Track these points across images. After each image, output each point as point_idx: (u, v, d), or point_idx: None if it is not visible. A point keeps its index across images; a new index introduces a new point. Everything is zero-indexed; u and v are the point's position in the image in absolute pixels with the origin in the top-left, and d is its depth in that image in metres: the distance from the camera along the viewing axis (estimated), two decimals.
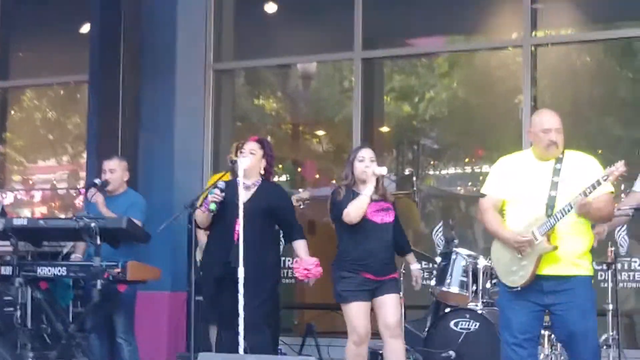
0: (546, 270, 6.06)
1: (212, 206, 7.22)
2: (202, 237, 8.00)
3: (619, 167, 5.89)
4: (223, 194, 7.23)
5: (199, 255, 8.44)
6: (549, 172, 6.15)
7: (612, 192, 6.13)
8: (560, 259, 6.06)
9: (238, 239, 6.93)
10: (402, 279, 7.65)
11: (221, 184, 7.30)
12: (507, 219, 6.28)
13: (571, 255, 6.09)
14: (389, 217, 7.15)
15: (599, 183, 5.90)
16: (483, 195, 6.39)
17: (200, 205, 7.28)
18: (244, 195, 7.09)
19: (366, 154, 7.21)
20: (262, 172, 7.40)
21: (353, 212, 7.04)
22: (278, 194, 7.49)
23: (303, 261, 7.24)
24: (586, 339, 6.11)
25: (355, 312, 7.00)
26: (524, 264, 6.07)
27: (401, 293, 7.62)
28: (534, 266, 6.04)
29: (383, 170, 7.15)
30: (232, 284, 6.90)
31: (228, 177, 7.65)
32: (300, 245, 7.35)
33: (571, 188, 6.04)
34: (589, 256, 6.22)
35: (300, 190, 7.76)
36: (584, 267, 6.15)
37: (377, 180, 7.11)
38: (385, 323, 7.04)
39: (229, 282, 7.03)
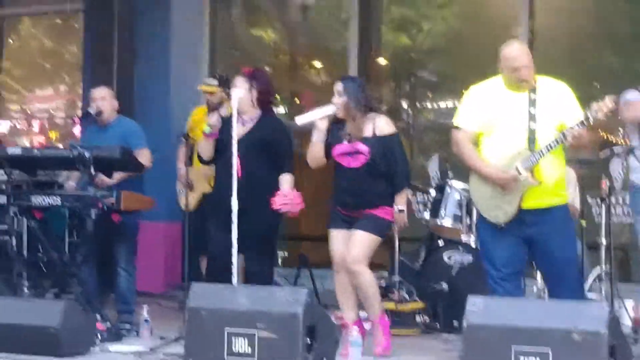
0: (528, 203, 6.06)
1: (207, 129, 7.22)
2: (182, 168, 8.15)
3: (608, 103, 5.83)
4: (220, 119, 7.23)
5: (179, 186, 8.56)
6: (524, 103, 6.08)
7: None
8: (542, 192, 6.06)
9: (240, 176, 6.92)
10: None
11: (224, 111, 7.30)
12: (484, 152, 6.21)
13: (551, 186, 6.09)
14: (355, 162, 6.78)
15: (587, 120, 5.85)
16: (457, 128, 6.27)
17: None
18: (240, 130, 7.06)
19: (334, 87, 6.89)
20: (253, 104, 7.30)
21: (307, 157, 6.95)
22: (274, 127, 7.40)
23: (282, 193, 7.14)
24: (568, 269, 6.14)
25: (331, 240, 6.88)
26: (508, 199, 6.05)
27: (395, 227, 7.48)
28: (519, 201, 6.03)
29: (318, 113, 6.81)
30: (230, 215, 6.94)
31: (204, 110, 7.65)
32: (285, 179, 7.21)
33: (550, 119, 6.01)
34: (564, 184, 6.28)
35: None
36: (562, 195, 6.18)
37: (352, 116, 6.77)
38: (345, 260, 6.77)
39: (228, 214, 7.05)
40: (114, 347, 6.92)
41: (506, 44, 6.20)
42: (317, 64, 11.63)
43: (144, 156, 7.80)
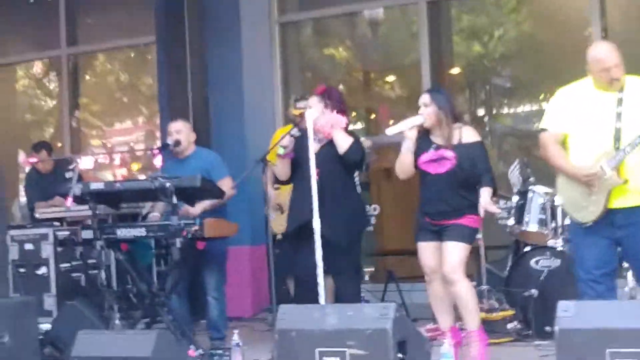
0: (616, 203, 5.99)
1: (281, 150, 7.26)
2: (271, 191, 8.15)
3: None
4: (292, 139, 7.27)
5: (269, 211, 8.57)
6: (612, 102, 6.03)
7: None
8: (630, 191, 5.98)
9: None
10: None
11: (294, 131, 7.33)
12: (571, 153, 6.17)
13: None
14: (442, 168, 6.90)
15: None
16: (544, 130, 6.26)
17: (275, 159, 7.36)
18: (315, 147, 7.11)
19: (420, 100, 7.05)
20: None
21: (396, 168, 7.07)
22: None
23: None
24: None
25: (420, 252, 7.03)
26: (594, 199, 6.00)
27: (480, 235, 7.55)
28: (605, 200, 5.97)
29: (408, 123, 6.94)
30: (312, 235, 6.96)
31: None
32: None
33: (636, 117, 5.93)
34: None
35: (362, 139, 7.71)
36: None
37: (441, 124, 6.90)
38: (442, 270, 6.93)
39: (309, 235, 7.08)
40: None
41: (594, 45, 6.18)
42: (390, 78, 11.66)
43: (227, 185, 7.88)
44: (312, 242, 6.88)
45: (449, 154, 6.87)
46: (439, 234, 6.95)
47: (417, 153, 6.98)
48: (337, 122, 7.30)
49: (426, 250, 7.00)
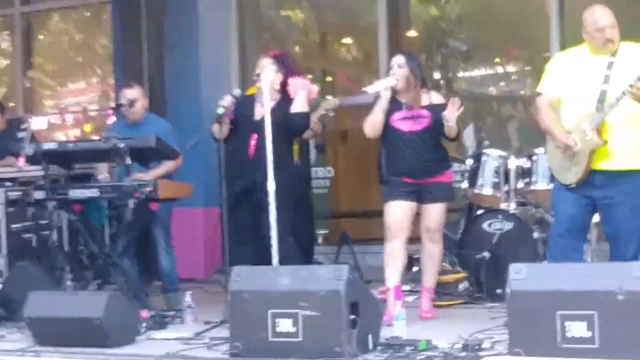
0: (600, 164, 6.02)
1: (220, 110, 7.16)
2: None
3: None
4: (232, 100, 7.21)
5: None
6: (602, 65, 6.05)
7: None
8: (613, 152, 5.99)
9: (253, 155, 7.04)
10: None
11: (236, 91, 7.29)
12: (562, 116, 6.22)
13: (626, 148, 6.00)
14: (418, 125, 6.98)
15: None
16: (539, 94, 6.33)
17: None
18: (260, 111, 7.10)
19: (393, 61, 7.15)
20: (278, 87, 7.29)
21: (366, 127, 7.08)
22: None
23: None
24: (631, 238, 6.05)
25: (391, 210, 7.01)
26: (577, 161, 6.05)
27: None
28: (587, 162, 6.00)
29: (383, 83, 7.01)
30: (249, 198, 6.94)
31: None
32: None
33: (623, 80, 5.92)
34: None
35: (328, 97, 7.66)
36: (639, 160, 6.04)
37: (411, 87, 6.99)
38: (427, 227, 7.06)
39: (246, 197, 7.07)
40: (160, 334, 6.94)
41: (589, 8, 6.15)
42: (347, 40, 11.62)
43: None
44: (249, 204, 7.04)
45: (425, 112, 6.99)
46: (417, 194, 7.00)
47: (388, 112, 7.02)
48: (306, 87, 7.30)
49: (400, 209, 6.98)
